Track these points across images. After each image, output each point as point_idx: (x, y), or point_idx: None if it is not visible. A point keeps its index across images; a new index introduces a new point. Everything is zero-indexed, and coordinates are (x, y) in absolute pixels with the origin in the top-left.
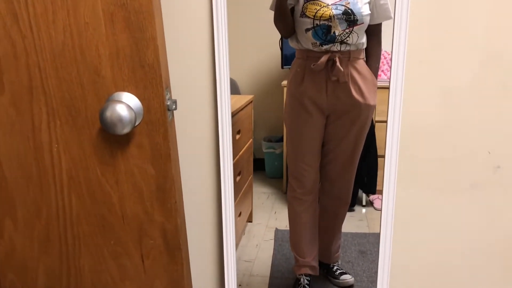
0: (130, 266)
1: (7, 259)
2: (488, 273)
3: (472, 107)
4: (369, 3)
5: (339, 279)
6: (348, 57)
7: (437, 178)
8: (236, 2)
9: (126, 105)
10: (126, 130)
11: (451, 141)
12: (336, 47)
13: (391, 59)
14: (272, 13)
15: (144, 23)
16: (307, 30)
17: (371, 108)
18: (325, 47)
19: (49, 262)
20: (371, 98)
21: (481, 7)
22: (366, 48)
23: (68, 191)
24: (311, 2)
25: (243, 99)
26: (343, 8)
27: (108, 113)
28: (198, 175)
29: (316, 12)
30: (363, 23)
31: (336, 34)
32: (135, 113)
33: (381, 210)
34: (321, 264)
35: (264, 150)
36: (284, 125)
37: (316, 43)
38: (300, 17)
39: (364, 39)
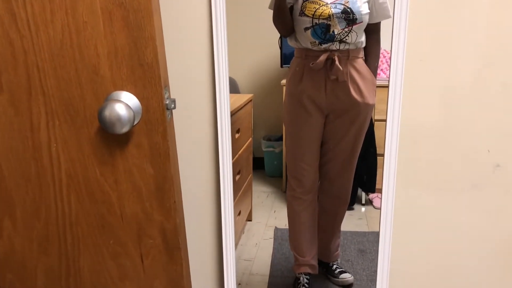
0: (129, 265)
1: (6, 259)
2: (488, 272)
3: (472, 106)
4: (368, 1)
5: (338, 278)
6: (347, 56)
7: (437, 177)
8: (235, 1)
9: (124, 104)
10: (125, 129)
11: (450, 140)
12: (335, 46)
13: (390, 58)
14: (271, 12)
15: (143, 22)
16: (306, 29)
17: (370, 107)
18: (324, 46)
19: (48, 262)
20: (370, 97)
21: (482, 5)
22: (365, 47)
23: (67, 190)
24: (310, 1)
25: (243, 98)
26: (342, 7)
27: (106, 113)
28: (197, 174)
29: (315, 11)
30: (362, 22)
31: (335, 33)
32: (133, 112)
33: (380, 209)
34: (320, 263)
35: (264, 149)
36: (283, 124)
37: (315, 42)
38: (299, 16)
39: (363, 38)
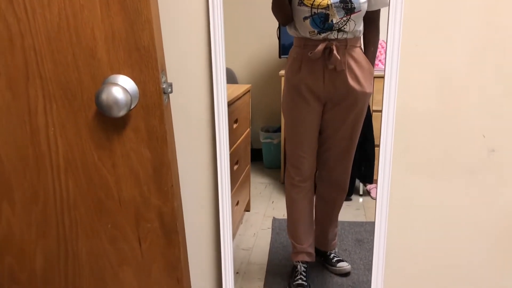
0: (127, 249)
1: (5, 243)
2: (483, 258)
3: (467, 91)
4: None
5: (335, 267)
6: (345, 45)
7: (432, 163)
8: None
9: (122, 87)
10: (122, 113)
11: (445, 126)
12: (333, 35)
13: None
14: (269, 2)
15: (140, 6)
16: (305, 18)
17: (367, 96)
18: (322, 35)
19: (46, 246)
20: (368, 86)
21: None
22: (363, 36)
23: (65, 174)
24: None
25: (241, 88)
26: None
27: (104, 96)
28: (195, 160)
29: (314, 1)
30: (360, 10)
31: (334, 22)
32: (131, 96)
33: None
34: (318, 251)
35: (262, 141)
36: (281, 115)
37: (314, 31)
38: (298, 5)
39: (361, 27)
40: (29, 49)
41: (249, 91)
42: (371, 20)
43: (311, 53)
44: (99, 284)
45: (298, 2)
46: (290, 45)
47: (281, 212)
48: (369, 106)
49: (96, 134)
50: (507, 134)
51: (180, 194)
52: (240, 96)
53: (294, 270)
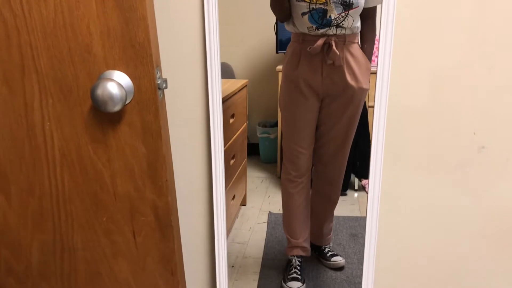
0: (122, 242)
1: (1, 235)
2: (473, 252)
3: (459, 88)
4: None
5: (330, 261)
6: (344, 41)
7: (423, 159)
8: None
9: (117, 83)
10: (117, 108)
11: (437, 122)
12: (332, 30)
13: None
14: None
15: (135, 2)
16: (303, 14)
17: (364, 92)
18: (321, 31)
19: (42, 239)
20: (365, 82)
21: None
22: (360, 32)
23: (61, 168)
24: None
25: (237, 83)
26: None
27: (99, 91)
28: (190, 154)
29: None
30: (358, 6)
31: (332, 18)
32: (126, 91)
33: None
34: (313, 246)
35: (259, 135)
36: (279, 110)
37: (312, 27)
38: (296, 1)
39: (359, 23)
40: (25, 44)
41: (246, 86)
42: (368, 16)
43: (310, 48)
44: (94, 276)
45: None
46: (287, 40)
47: (277, 206)
48: (365, 102)
49: (92, 129)
50: (497, 132)
51: (175, 189)
52: (237, 91)
53: (289, 264)
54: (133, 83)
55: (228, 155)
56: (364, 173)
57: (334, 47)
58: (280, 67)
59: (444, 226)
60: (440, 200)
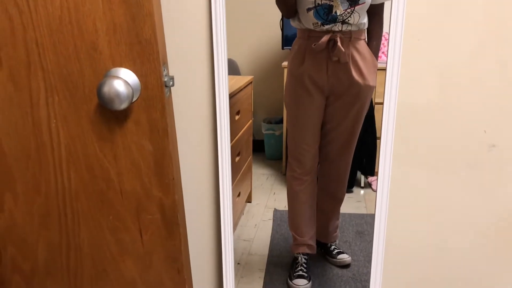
0: (128, 240)
1: (7, 233)
2: (482, 252)
3: (469, 85)
4: None
5: (336, 258)
6: (349, 37)
7: (432, 157)
8: None
9: (123, 80)
10: (124, 105)
11: (447, 120)
12: (337, 27)
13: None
14: None
15: None
16: (309, 9)
17: (370, 89)
18: (326, 27)
19: (49, 237)
20: (371, 79)
21: None
22: (367, 29)
23: (67, 166)
24: None
25: (243, 79)
26: None
27: (105, 89)
28: (196, 152)
29: None
30: (364, 2)
31: (338, 14)
32: (132, 89)
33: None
34: (319, 243)
35: (264, 132)
36: (284, 107)
37: (317, 23)
38: None
39: (365, 19)
40: (31, 41)
41: (251, 82)
42: (375, 13)
43: (315, 44)
44: (100, 274)
45: None
46: (293, 36)
47: (282, 203)
48: (371, 99)
49: (98, 127)
50: (508, 130)
51: (181, 187)
52: (242, 87)
53: (294, 262)
54: (140, 80)
55: (234, 152)
56: (370, 170)
57: (339, 43)
58: (285, 64)
59: (453, 225)
60: (449, 199)
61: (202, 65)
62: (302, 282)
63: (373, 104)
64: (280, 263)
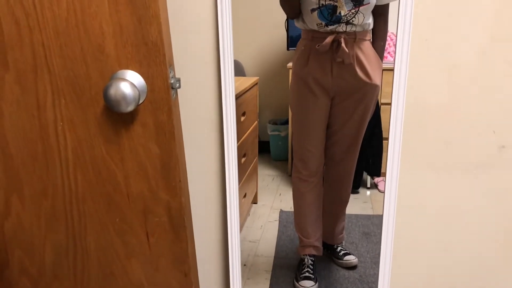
0: (135, 243)
1: (14, 236)
2: (491, 255)
3: (478, 86)
4: None
5: (343, 260)
6: (354, 38)
7: (441, 158)
8: None
9: (130, 83)
10: (130, 108)
11: (455, 121)
12: (341, 27)
13: (396, 38)
14: None
15: (147, 0)
16: (313, 10)
17: (376, 89)
18: (330, 27)
19: (56, 240)
20: (377, 78)
21: None
22: (372, 29)
23: (74, 169)
24: None
25: (248, 81)
26: None
27: (112, 91)
28: (203, 154)
29: None
30: (369, 3)
31: (342, 14)
32: (139, 91)
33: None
34: (325, 245)
35: (269, 133)
36: (289, 108)
37: (321, 23)
38: None
39: (370, 20)
40: (38, 43)
41: (257, 83)
42: (380, 13)
43: (318, 45)
44: (107, 277)
45: None
46: (298, 37)
47: (288, 204)
48: (377, 99)
49: (105, 129)
50: None
51: (188, 189)
52: (248, 88)
53: (301, 263)
54: (146, 82)
55: (239, 153)
56: (376, 171)
57: (343, 44)
58: (290, 65)
59: (462, 227)
60: (458, 200)
61: (208, 67)
62: (308, 283)
63: (379, 104)
64: (287, 265)
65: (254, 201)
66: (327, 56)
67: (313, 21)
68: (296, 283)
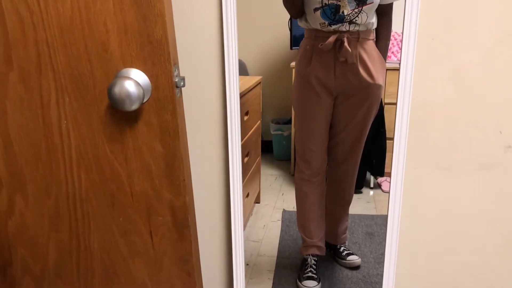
0: (139, 242)
1: (18, 235)
2: (496, 254)
3: (484, 85)
4: None
5: (346, 260)
6: (357, 38)
7: (447, 158)
8: None
9: (134, 81)
10: (135, 106)
11: (461, 120)
12: (344, 27)
13: (402, 39)
14: None
15: None
16: (316, 9)
17: (379, 89)
18: (333, 27)
19: (59, 239)
20: (380, 78)
21: None
22: (376, 29)
23: (77, 168)
24: None
25: (252, 80)
26: None
27: (116, 89)
28: (207, 153)
29: None
30: (372, 2)
31: (345, 13)
32: (143, 89)
33: (389, 192)
34: (328, 245)
35: (272, 132)
36: (292, 107)
37: (324, 23)
38: None
39: (374, 19)
40: (42, 41)
41: (260, 83)
42: (384, 13)
43: (321, 44)
44: (110, 276)
45: None
46: (302, 36)
47: (291, 204)
48: (381, 99)
49: (109, 128)
50: None
51: (192, 188)
52: (251, 88)
53: (304, 263)
54: (151, 81)
55: (242, 152)
56: (380, 171)
57: (346, 44)
58: (294, 64)
59: (467, 227)
60: (463, 201)
61: (212, 66)
62: (311, 283)
63: (383, 104)
64: (289, 265)
65: (257, 201)
66: (330, 55)
67: (316, 20)
68: (299, 283)
